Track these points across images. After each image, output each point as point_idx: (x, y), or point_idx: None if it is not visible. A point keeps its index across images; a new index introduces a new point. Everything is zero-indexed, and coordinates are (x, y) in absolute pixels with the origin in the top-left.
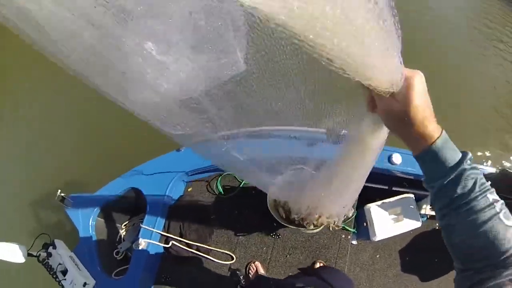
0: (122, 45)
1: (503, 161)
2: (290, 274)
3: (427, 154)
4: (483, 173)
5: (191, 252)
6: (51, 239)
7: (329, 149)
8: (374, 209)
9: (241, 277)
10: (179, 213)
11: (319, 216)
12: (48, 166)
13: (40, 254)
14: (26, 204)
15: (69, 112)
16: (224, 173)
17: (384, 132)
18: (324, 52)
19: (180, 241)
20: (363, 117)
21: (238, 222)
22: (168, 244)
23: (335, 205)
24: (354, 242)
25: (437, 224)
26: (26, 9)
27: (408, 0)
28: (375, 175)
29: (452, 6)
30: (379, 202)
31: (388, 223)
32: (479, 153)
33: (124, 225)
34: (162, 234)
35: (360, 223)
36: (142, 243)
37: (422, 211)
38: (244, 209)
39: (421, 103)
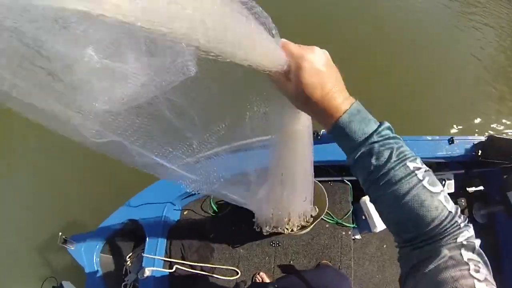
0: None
1: (497, 125)
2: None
3: (335, 130)
4: (473, 143)
5: (196, 273)
6: (58, 282)
7: (263, 154)
8: (368, 202)
9: None
10: (178, 237)
11: (289, 219)
12: (48, 209)
13: None
14: (31, 249)
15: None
16: None
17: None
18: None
19: (183, 264)
20: (275, 103)
21: (237, 237)
22: (172, 268)
23: (295, 202)
24: (358, 236)
25: None
26: None
27: None
28: None
29: None
30: None
31: None
32: (476, 121)
33: (128, 257)
34: (165, 260)
35: (359, 217)
36: (147, 272)
37: None
38: (241, 223)
39: (315, 81)
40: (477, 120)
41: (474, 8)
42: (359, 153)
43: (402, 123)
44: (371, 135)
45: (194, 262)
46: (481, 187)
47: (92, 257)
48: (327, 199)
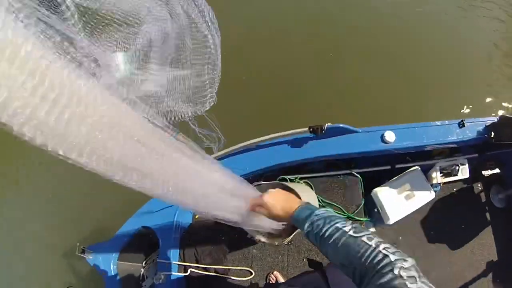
0: None
1: (508, 104)
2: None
3: (293, 220)
4: (485, 125)
5: (210, 275)
6: None
7: None
8: (382, 192)
9: None
10: (191, 241)
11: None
12: (66, 218)
13: None
14: (50, 258)
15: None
16: None
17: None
18: None
19: (197, 267)
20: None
21: (249, 238)
22: (186, 272)
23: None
24: (372, 229)
25: (454, 189)
26: None
27: None
28: (374, 158)
29: None
30: (385, 184)
31: (400, 202)
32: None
33: (145, 263)
34: (179, 264)
35: (372, 210)
36: (162, 277)
37: (433, 181)
38: None
39: (273, 208)
40: (488, 100)
41: None
42: (306, 227)
43: (414, 107)
44: (310, 214)
45: (208, 265)
46: (497, 170)
47: (110, 265)
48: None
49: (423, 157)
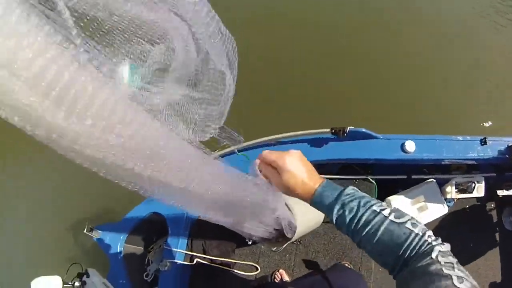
0: None
1: None
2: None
3: (314, 202)
4: (508, 145)
5: (216, 267)
6: (83, 268)
7: None
8: (395, 201)
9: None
10: (200, 231)
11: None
12: (76, 197)
13: (74, 283)
14: (57, 234)
15: None
16: None
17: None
18: None
19: (204, 258)
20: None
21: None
22: (192, 262)
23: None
24: None
25: (467, 206)
26: None
27: None
28: (391, 166)
29: None
30: (400, 193)
31: (412, 214)
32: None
33: (151, 248)
34: (186, 253)
35: None
36: (167, 264)
37: (448, 196)
38: None
39: (292, 176)
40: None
41: None
42: (335, 211)
43: (437, 119)
44: (339, 194)
45: (215, 257)
46: None
47: (117, 246)
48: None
49: (440, 170)
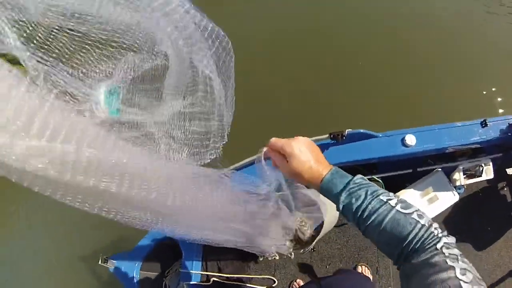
0: None
1: None
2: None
3: (322, 189)
4: (509, 123)
5: (233, 284)
6: None
7: None
8: (404, 197)
9: None
10: (213, 250)
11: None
12: (86, 229)
13: None
14: (73, 268)
15: None
16: None
17: None
18: None
19: (219, 277)
20: None
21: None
22: (209, 282)
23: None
24: None
25: (478, 189)
26: None
27: None
28: (395, 162)
29: None
30: (408, 188)
31: (423, 206)
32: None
33: (167, 273)
34: (201, 274)
35: None
36: (184, 286)
37: (457, 183)
38: None
39: (299, 162)
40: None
41: None
42: (343, 198)
43: (435, 108)
44: (348, 183)
45: (230, 274)
46: None
47: (132, 274)
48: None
49: (445, 159)
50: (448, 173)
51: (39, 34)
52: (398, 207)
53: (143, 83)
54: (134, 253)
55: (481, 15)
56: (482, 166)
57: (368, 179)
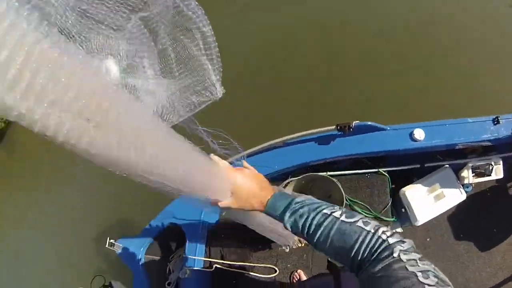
0: None
1: None
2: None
3: (268, 212)
4: None
5: (235, 271)
6: (106, 280)
7: None
8: (410, 192)
9: None
10: (217, 238)
11: None
12: (94, 214)
13: None
14: (81, 247)
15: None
16: None
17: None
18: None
19: (222, 264)
20: None
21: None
22: (212, 268)
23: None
24: (399, 230)
25: (487, 189)
26: None
27: None
28: (403, 157)
29: None
30: (415, 183)
31: (429, 203)
32: None
33: (171, 258)
34: (204, 260)
35: (399, 209)
36: (188, 271)
37: (465, 181)
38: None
39: (242, 197)
40: None
41: None
42: (286, 218)
43: (445, 103)
44: (289, 203)
45: (233, 261)
46: None
47: (138, 258)
48: (344, 196)
49: (454, 155)
50: (457, 170)
51: None
52: (342, 217)
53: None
54: (140, 237)
55: (500, 9)
56: (492, 164)
57: (374, 172)
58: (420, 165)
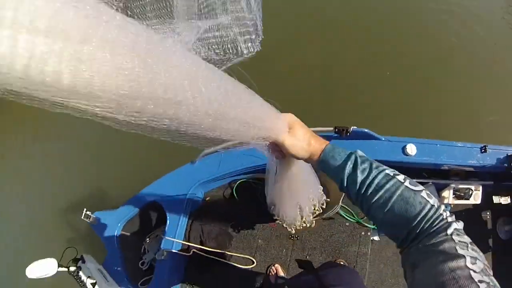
0: None
1: None
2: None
3: (321, 164)
4: (507, 154)
5: (212, 258)
6: (78, 253)
7: None
8: None
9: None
10: (198, 222)
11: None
12: (73, 184)
13: (70, 268)
14: (55, 218)
15: (88, 133)
16: (239, 180)
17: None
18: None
19: (200, 249)
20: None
21: (257, 227)
22: (189, 252)
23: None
24: (376, 238)
25: (462, 212)
26: None
27: None
28: (391, 168)
29: None
30: None
31: None
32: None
33: (148, 237)
34: (183, 243)
35: None
36: (164, 253)
37: (445, 201)
38: (263, 216)
39: (292, 141)
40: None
41: None
42: (347, 170)
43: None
44: (350, 154)
45: (212, 248)
46: (509, 201)
47: (114, 234)
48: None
49: (439, 175)
50: (439, 189)
51: None
52: (406, 183)
53: None
54: (118, 212)
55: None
56: (472, 190)
57: None
58: None
